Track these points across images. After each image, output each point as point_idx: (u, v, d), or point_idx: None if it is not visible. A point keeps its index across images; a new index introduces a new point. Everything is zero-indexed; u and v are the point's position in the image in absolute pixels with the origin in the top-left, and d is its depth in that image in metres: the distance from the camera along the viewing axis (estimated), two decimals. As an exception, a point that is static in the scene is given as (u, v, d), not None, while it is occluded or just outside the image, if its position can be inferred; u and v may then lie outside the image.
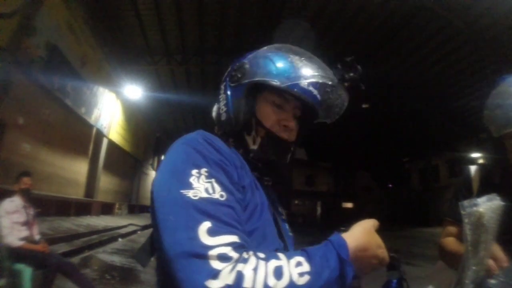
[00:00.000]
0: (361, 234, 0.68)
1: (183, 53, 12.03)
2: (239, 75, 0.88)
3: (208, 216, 0.59)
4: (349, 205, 32.08)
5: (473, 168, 1.35)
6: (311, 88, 0.83)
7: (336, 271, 0.58)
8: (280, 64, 0.84)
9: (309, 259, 0.58)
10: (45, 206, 6.98)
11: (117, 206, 13.78)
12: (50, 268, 3.25)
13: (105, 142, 12.14)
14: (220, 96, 0.92)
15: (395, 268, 0.79)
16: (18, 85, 6.68)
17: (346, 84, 0.85)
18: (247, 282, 0.52)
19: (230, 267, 0.53)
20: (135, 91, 12.47)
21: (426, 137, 19.47)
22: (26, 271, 3.10)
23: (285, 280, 0.54)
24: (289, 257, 0.58)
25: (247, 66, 0.88)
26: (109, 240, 8.05)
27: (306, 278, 0.55)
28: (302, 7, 9.73)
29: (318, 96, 0.85)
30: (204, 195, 0.61)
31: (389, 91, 13.99)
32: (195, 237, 0.56)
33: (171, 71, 13.41)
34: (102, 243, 7.35)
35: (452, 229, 1.31)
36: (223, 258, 0.54)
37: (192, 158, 0.67)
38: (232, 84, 0.89)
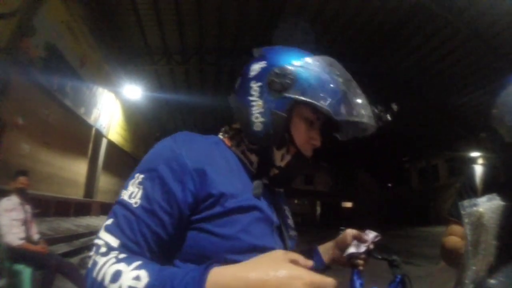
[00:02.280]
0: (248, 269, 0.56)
1: (183, 53, 12.02)
2: (284, 85, 0.78)
3: (115, 216, 0.67)
4: (348, 204, 32.11)
5: (477, 167, 1.34)
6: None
7: None
8: (335, 91, 0.80)
9: (149, 273, 0.58)
10: (44, 207, 6.97)
11: (116, 206, 13.73)
12: (49, 268, 3.25)
13: (104, 142, 12.12)
14: (252, 100, 0.81)
15: (397, 266, 0.83)
16: (17, 85, 6.67)
17: (379, 123, 0.88)
18: (95, 271, 0.61)
19: (94, 255, 0.64)
20: (134, 91, 12.44)
21: (425, 137, 19.48)
22: (26, 272, 3.11)
23: (115, 285, 0.58)
24: (134, 267, 0.59)
25: (293, 76, 0.78)
26: (109, 240, 8.03)
27: None
28: (302, 6, 9.73)
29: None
30: (125, 197, 0.69)
31: (388, 90, 13.98)
32: (102, 227, 0.67)
33: (171, 71, 13.40)
34: (101, 243, 7.33)
35: (456, 228, 1.29)
36: (96, 248, 0.65)
37: (144, 163, 0.73)
38: (274, 93, 0.79)
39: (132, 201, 0.67)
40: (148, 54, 12.01)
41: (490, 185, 1.22)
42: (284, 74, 0.78)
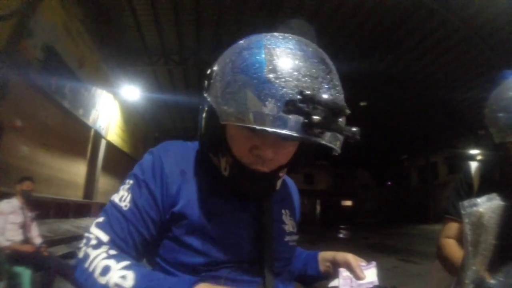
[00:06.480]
0: None
1: (181, 53, 12.01)
2: (205, 86, 0.71)
3: (107, 215, 0.73)
4: (348, 203, 32.14)
5: (473, 165, 1.34)
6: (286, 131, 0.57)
7: None
8: (246, 93, 0.59)
9: (136, 276, 0.62)
10: (44, 208, 6.96)
11: (116, 207, 13.71)
12: (49, 270, 3.25)
13: (103, 144, 12.10)
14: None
15: None
16: (15, 87, 6.65)
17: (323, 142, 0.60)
18: (87, 262, 0.66)
19: (84, 247, 0.69)
20: (133, 91, 12.42)
21: (424, 135, 19.50)
22: (25, 274, 3.10)
23: (103, 279, 0.62)
24: (123, 267, 0.63)
25: (213, 74, 0.69)
26: (109, 241, 8.02)
27: None
28: (300, 5, 9.72)
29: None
30: (116, 200, 0.74)
31: (387, 88, 14.00)
32: (93, 223, 0.74)
33: (169, 71, 13.38)
34: (101, 245, 7.33)
35: (453, 226, 1.29)
36: (87, 241, 0.71)
37: (134, 171, 0.78)
38: (204, 94, 0.72)
39: (123, 204, 0.73)
40: (146, 54, 11.99)
41: (486, 183, 1.23)
42: (209, 73, 0.72)
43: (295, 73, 0.58)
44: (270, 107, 0.57)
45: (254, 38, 0.69)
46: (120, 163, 14.43)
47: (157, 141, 22.86)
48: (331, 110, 0.56)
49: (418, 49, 11.62)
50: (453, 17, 9.63)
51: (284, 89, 0.57)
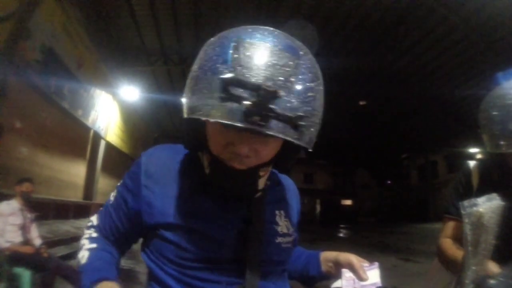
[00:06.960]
0: None
1: (180, 53, 12.01)
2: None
3: (103, 207, 0.90)
4: (348, 202, 32.16)
5: (472, 164, 1.33)
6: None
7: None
8: (200, 85, 0.61)
9: (88, 259, 0.80)
10: (43, 209, 6.95)
11: (116, 207, 13.70)
12: (49, 271, 3.25)
13: (102, 144, 12.10)
14: None
15: None
16: (14, 89, 6.64)
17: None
18: (85, 237, 0.87)
19: (86, 229, 0.90)
20: (132, 92, 12.40)
21: (424, 133, 19.51)
22: (25, 275, 3.10)
23: (80, 253, 0.83)
24: (87, 248, 0.82)
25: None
26: (109, 242, 8.02)
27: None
28: (299, 4, 9.72)
29: None
30: (111, 195, 0.88)
31: (387, 87, 14.01)
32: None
33: (168, 72, 13.38)
34: (101, 245, 7.32)
35: (452, 226, 1.29)
36: (89, 222, 0.91)
37: (124, 176, 0.87)
38: None
39: (111, 199, 0.87)
40: (145, 54, 11.99)
41: (486, 182, 1.22)
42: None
43: (249, 62, 0.57)
44: (215, 97, 0.57)
45: (223, 33, 0.69)
46: (119, 163, 14.43)
47: (157, 141, 22.88)
48: (259, 92, 0.54)
49: (418, 47, 11.63)
50: (452, 15, 9.64)
51: (228, 78, 0.56)
